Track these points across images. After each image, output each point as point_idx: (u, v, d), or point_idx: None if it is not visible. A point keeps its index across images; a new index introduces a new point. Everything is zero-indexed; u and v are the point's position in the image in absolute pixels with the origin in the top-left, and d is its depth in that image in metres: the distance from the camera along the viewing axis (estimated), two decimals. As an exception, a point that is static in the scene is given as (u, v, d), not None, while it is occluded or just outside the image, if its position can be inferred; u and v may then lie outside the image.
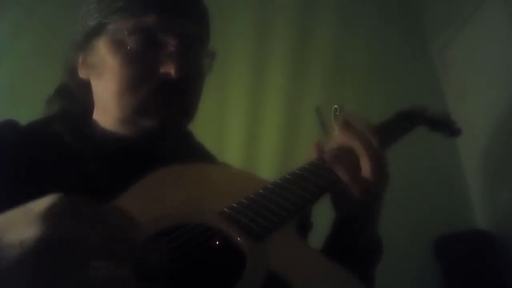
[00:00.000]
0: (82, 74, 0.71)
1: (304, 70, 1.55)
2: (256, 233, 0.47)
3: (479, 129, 1.39)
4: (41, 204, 0.33)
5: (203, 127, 0.81)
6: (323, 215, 0.69)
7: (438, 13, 1.64)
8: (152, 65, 0.64)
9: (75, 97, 0.74)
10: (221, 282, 0.43)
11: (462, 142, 1.38)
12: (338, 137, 0.65)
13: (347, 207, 0.64)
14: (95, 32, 0.67)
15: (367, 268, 0.66)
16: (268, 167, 1.38)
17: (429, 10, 1.69)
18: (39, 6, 1.42)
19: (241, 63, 1.53)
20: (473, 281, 1.25)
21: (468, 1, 1.46)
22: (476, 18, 1.42)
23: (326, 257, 0.46)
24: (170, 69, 0.63)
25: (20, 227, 0.31)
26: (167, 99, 0.65)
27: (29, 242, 0.30)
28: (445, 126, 0.98)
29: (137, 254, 0.35)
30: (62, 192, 0.34)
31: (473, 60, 1.47)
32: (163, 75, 0.63)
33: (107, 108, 0.68)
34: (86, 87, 0.71)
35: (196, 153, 0.77)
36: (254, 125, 1.48)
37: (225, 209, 0.51)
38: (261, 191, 0.55)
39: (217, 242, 0.47)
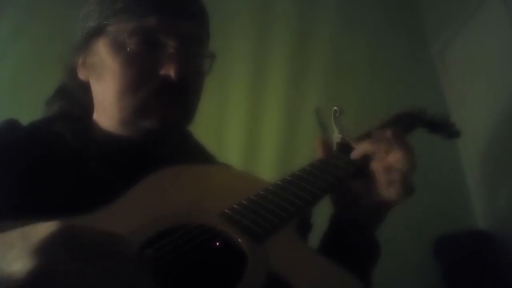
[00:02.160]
0: (81, 75, 0.71)
1: (304, 70, 1.55)
2: (257, 234, 0.47)
3: (479, 129, 1.39)
4: (39, 232, 0.32)
5: (203, 128, 0.81)
6: (323, 216, 0.70)
7: (438, 13, 1.64)
8: (152, 67, 0.64)
9: (75, 98, 0.74)
10: (222, 283, 0.43)
11: (462, 142, 1.38)
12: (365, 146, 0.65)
13: (354, 209, 0.64)
14: (95, 33, 0.67)
15: (364, 269, 0.66)
16: (268, 168, 1.38)
17: (429, 10, 1.68)
18: (39, 6, 1.42)
19: (241, 63, 1.53)
20: (473, 281, 1.25)
21: (468, 1, 1.46)
22: (476, 18, 1.42)
23: (326, 259, 0.47)
24: (170, 71, 0.63)
25: (13, 254, 0.30)
26: (167, 100, 0.65)
27: (18, 276, 0.29)
28: (444, 128, 0.98)
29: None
30: (62, 218, 0.33)
31: (473, 60, 1.47)
32: (163, 77, 0.64)
33: (107, 109, 0.68)
34: (85, 88, 0.71)
35: (196, 154, 0.78)
36: (254, 125, 1.48)
37: (226, 210, 0.51)
38: (261, 192, 0.55)
39: (218, 243, 0.48)
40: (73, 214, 0.46)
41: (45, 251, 0.30)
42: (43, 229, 0.32)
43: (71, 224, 0.33)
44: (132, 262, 0.35)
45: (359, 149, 0.65)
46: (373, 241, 0.68)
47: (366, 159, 0.64)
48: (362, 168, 0.63)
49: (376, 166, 0.62)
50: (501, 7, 1.31)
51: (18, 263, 0.30)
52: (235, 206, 0.52)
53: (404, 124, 0.85)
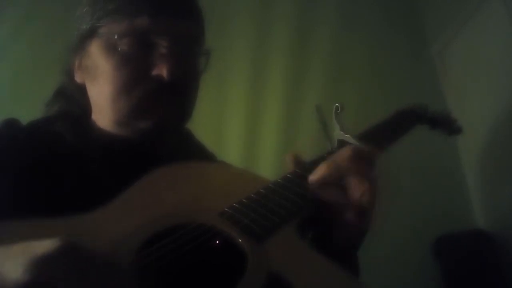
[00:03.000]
0: (78, 78, 0.71)
1: (304, 70, 1.55)
2: (257, 234, 0.47)
3: (479, 129, 1.38)
4: (41, 247, 0.32)
5: (203, 127, 0.81)
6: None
7: (438, 13, 1.64)
8: (144, 68, 0.64)
9: (74, 99, 0.74)
10: (222, 282, 0.43)
11: (462, 142, 1.38)
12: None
13: (330, 228, 0.55)
14: (88, 35, 0.67)
15: (349, 252, 0.59)
16: (268, 167, 1.38)
17: (429, 10, 1.68)
18: (39, 7, 1.42)
19: (241, 62, 1.53)
20: (473, 281, 1.25)
21: (468, 1, 1.46)
22: (476, 18, 1.42)
23: (326, 259, 0.46)
24: (162, 71, 0.63)
25: (11, 266, 0.31)
26: (162, 100, 0.65)
27: (12, 286, 0.29)
28: (445, 124, 0.98)
29: None
30: (69, 238, 0.33)
31: (473, 60, 1.47)
32: (156, 77, 0.63)
33: (103, 110, 0.68)
34: (83, 90, 0.71)
35: (195, 153, 0.77)
36: (254, 124, 1.48)
37: (225, 209, 0.51)
38: (261, 190, 0.55)
39: (217, 242, 0.47)
40: (72, 214, 0.46)
41: (43, 266, 0.31)
42: (45, 244, 0.32)
43: (74, 242, 0.33)
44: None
45: (316, 174, 0.54)
46: (354, 261, 0.62)
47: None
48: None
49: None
50: (501, 7, 1.31)
51: (14, 274, 0.30)
52: (235, 204, 0.51)
53: (405, 121, 0.85)
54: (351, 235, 0.53)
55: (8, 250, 0.33)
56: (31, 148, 0.64)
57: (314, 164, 0.62)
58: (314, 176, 0.53)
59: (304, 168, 0.61)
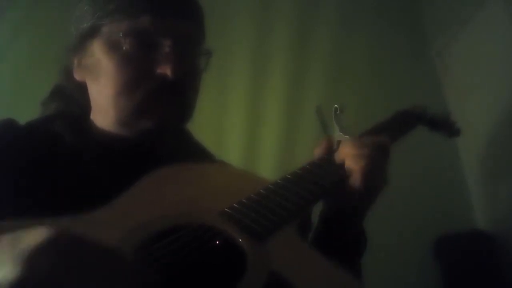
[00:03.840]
0: (77, 76, 0.71)
1: (304, 70, 1.54)
2: (258, 234, 0.47)
3: (479, 129, 1.38)
4: (29, 239, 0.32)
5: (203, 127, 0.81)
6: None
7: (438, 13, 1.64)
8: (148, 67, 0.64)
9: (71, 98, 0.74)
10: (222, 282, 0.43)
11: (462, 142, 1.38)
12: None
13: (339, 199, 0.64)
14: (89, 34, 0.67)
15: (354, 260, 0.67)
16: (268, 167, 1.38)
17: (429, 10, 1.68)
18: (39, 7, 1.42)
19: (241, 62, 1.53)
20: (472, 281, 1.25)
21: (468, 1, 1.46)
22: (476, 18, 1.42)
23: (327, 258, 0.46)
24: (166, 70, 0.63)
25: (1, 260, 0.30)
26: (164, 100, 0.65)
27: (2, 282, 0.29)
28: (444, 126, 0.98)
29: None
30: (56, 227, 0.32)
31: (473, 60, 1.47)
32: (160, 76, 0.63)
33: (104, 110, 0.68)
34: (82, 88, 0.71)
35: (195, 153, 0.77)
36: (254, 125, 1.48)
37: (226, 209, 0.51)
38: (262, 191, 0.55)
39: (218, 243, 0.47)
40: (71, 214, 0.46)
41: (32, 259, 0.30)
42: (32, 236, 0.32)
43: (60, 232, 0.33)
44: (120, 273, 0.34)
45: (340, 154, 0.65)
46: (360, 230, 0.69)
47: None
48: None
49: (348, 163, 0.63)
50: (501, 7, 1.30)
51: (3, 269, 0.30)
52: (235, 205, 0.52)
53: (404, 122, 0.85)
54: (356, 194, 0.61)
55: None
56: (29, 148, 0.64)
57: (314, 164, 0.62)
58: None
59: (304, 168, 0.61)
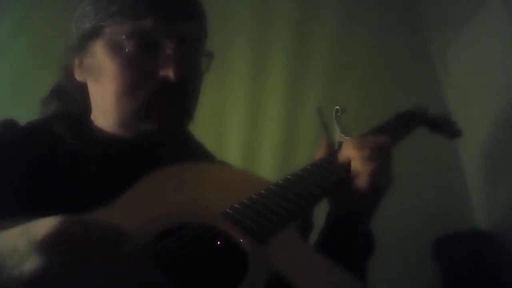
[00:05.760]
0: (78, 76, 0.70)
1: (304, 70, 1.55)
2: (259, 234, 0.47)
3: (479, 129, 1.38)
4: (41, 228, 0.32)
5: (203, 127, 0.81)
6: (324, 215, 0.69)
7: (438, 13, 1.64)
8: (150, 69, 0.64)
9: (72, 98, 0.74)
10: (223, 282, 0.43)
11: (462, 142, 1.38)
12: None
13: (347, 201, 0.64)
14: (91, 34, 0.67)
15: (361, 263, 0.67)
16: (268, 167, 1.38)
17: (429, 10, 1.68)
18: (39, 7, 1.42)
19: (241, 63, 1.53)
20: (472, 281, 1.25)
21: (468, 1, 1.46)
22: (476, 18, 1.42)
23: (327, 259, 0.46)
24: (169, 72, 0.63)
25: (19, 255, 0.31)
26: (167, 102, 0.65)
27: (28, 277, 0.29)
28: (445, 127, 0.98)
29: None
30: (63, 214, 0.33)
31: (473, 60, 1.47)
32: (162, 78, 0.63)
33: (106, 111, 0.67)
34: (82, 89, 0.71)
35: (196, 153, 0.77)
36: (254, 125, 1.48)
37: (227, 209, 0.51)
38: (263, 192, 0.55)
39: (219, 243, 0.47)
40: (72, 214, 0.46)
41: (49, 248, 0.31)
42: (44, 225, 0.32)
43: (71, 219, 0.33)
44: (135, 256, 0.35)
45: (344, 155, 0.65)
46: (367, 232, 0.69)
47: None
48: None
49: (355, 165, 0.63)
50: (501, 7, 1.30)
51: (25, 264, 0.30)
52: (236, 205, 0.52)
53: (405, 123, 0.85)
54: (363, 196, 0.61)
55: (6, 234, 0.33)
56: (29, 149, 0.64)
57: (315, 165, 0.62)
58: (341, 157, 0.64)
59: (305, 169, 0.61)
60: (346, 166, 0.63)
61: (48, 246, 0.31)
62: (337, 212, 0.67)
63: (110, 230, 0.35)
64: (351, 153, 0.63)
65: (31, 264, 0.30)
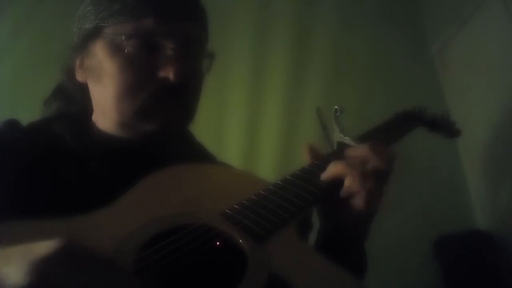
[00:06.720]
0: (79, 77, 0.70)
1: (304, 70, 1.55)
2: (258, 235, 0.47)
3: (479, 129, 1.39)
4: (41, 248, 0.32)
5: (203, 128, 0.81)
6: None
7: (438, 13, 1.64)
8: (151, 69, 0.64)
9: (73, 98, 0.74)
10: (223, 283, 0.43)
11: (462, 142, 1.38)
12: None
13: (341, 218, 0.60)
14: (92, 35, 0.66)
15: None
16: (267, 167, 1.38)
17: (429, 10, 1.68)
18: (39, 6, 1.42)
19: (241, 63, 1.53)
20: (472, 281, 1.25)
21: (468, 1, 1.46)
22: (476, 18, 1.42)
23: (327, 259, 0.46)
24: (169, 73, 0.63)
25: (11, 268, 0.31)
26: (167, 103, 0.64)
27: None
28: (444, 127, 0.98)
29: None
30: (69, 239, 0.33)
31: (473, 60, 1.47)
32: (163, 79, 0.63)
33: (106, 111, 0.67)
34: (83, 89, 0.71)
35: (196, 154, 0.77)
36: (254, 125, 1.48)
37: (226, 210, 0.51)
38: (262, 192, 0.55)
39: (218, 243, 0.47)
40: (72, 215, 0.46)
41: (43, 268, 0.31)
42: (44, 246, 0.32)
43: (73, 243, 0.33)
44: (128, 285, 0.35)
45: (329, 172, 0.59)
46: (362, 254, 0.66)
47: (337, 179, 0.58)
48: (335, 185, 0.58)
49: (349, 183, 0.57)
50: (501, 7, 1.30)
51: (14, 276, 0.30)
52: (235, 206, 0.52)
53: (404, 123, 0.85)
54: (359, 217, 0.58)
55: (7, 252, 0.33)
56: (31, 149, 0.64)
57: (314, 165, 0.62)
58: (326, 175, 0.59)
59: (304, 169, 0.61)
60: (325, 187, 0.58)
61: (41, 265, 0.31)
62: (328, 231, 0.64)
63: (107, 262, 0.36)
64: (347, 170, 0.56)
65: (18, 278, 0.30)
